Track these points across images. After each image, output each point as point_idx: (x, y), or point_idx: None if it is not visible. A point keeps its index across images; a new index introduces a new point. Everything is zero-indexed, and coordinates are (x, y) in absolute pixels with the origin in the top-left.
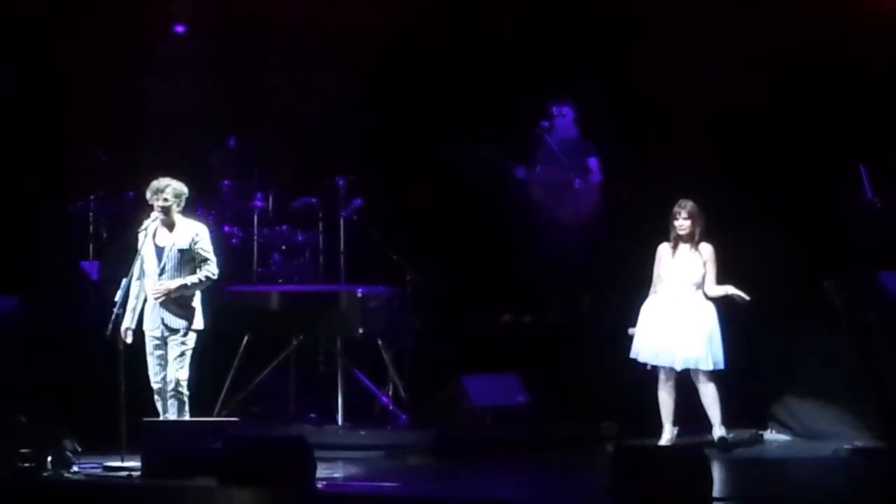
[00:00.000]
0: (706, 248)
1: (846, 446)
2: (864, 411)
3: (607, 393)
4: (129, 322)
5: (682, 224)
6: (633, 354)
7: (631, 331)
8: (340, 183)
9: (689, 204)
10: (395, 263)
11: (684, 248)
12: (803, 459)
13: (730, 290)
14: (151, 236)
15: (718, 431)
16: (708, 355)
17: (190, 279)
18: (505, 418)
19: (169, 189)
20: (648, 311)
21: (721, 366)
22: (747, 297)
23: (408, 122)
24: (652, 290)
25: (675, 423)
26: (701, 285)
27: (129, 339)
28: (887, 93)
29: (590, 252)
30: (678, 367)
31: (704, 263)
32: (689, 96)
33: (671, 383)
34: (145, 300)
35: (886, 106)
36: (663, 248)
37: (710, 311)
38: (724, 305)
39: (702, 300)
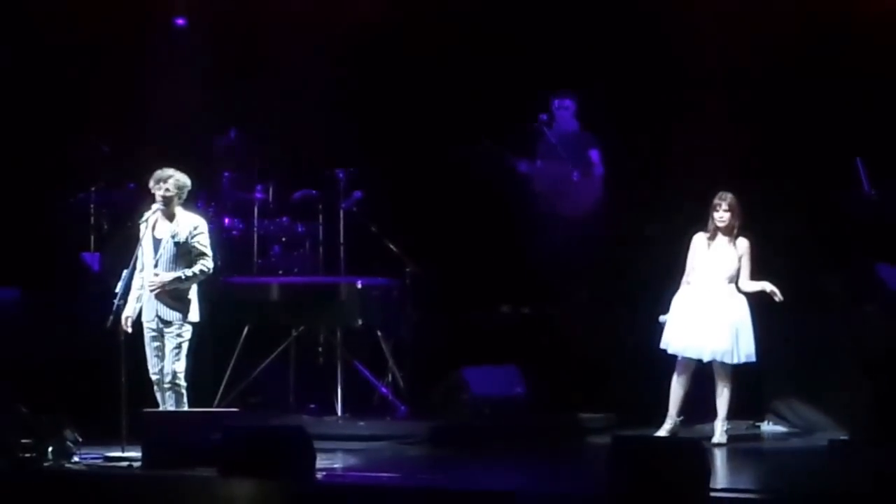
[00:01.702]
0: (742, 243)
1: (842, 437)
2: (861, 403)
3: (606, 383)
4: (129, 311)
5: (722, 216)
6: (662, 345)
7: (662, 318)
8: (340, 175)
9: (730, 196)
10: (394, 255)
11: (722, 240)
12: (800, 451)
13: (766, 286)
14: (151, 227)
15: (718, 433)
16: (734, 349)
17: (185, 272)
18: (503, 409)
19: (172, 180)
20: (680, 304)
21: (752, 358)
22: (780, 297)
23: (408, 114)
24: (685, 279)
25: (679, 414)
26: (734, 279)
27: (129, 329)
28: (885, 85)
29: (589, 244)
30: (706, 359)
31: (740, 258)
32: (688, 90)
33: (688, 375)
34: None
35: (883, 98)
36: (699, 238)
37: (742, 304)
38: (754, 300)
39: (733, 292)
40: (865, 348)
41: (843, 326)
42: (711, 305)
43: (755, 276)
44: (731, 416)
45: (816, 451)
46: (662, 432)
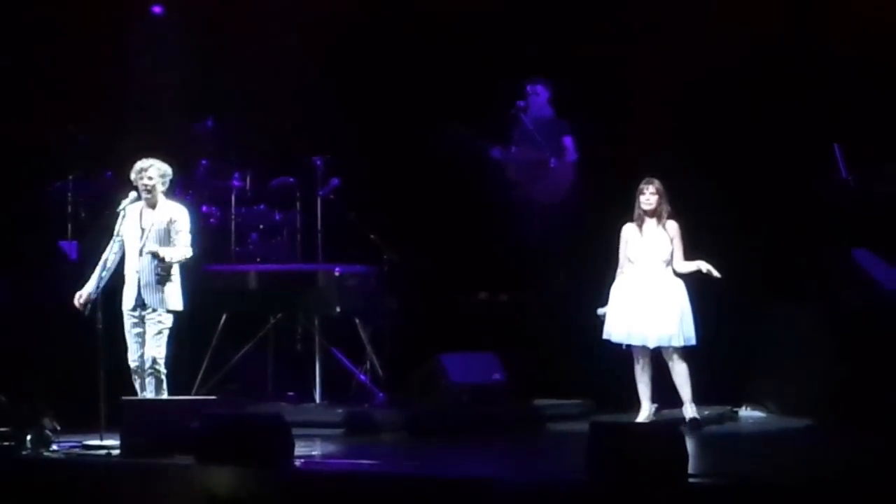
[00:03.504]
0: (672, 225)
1: (819, 422)
2: (838, 388)
3: (583, 370)
4: (89, 288)
5: (650, 199)
6: (605, 336)
7: (601, 311)
8: (318, 162)
9: (656, 181)
10: (372, 242)
11: (651, 224)
12: (778, 435)
13: (702, 265)
14: (137, 217)
15: (690, 412)
16: (679, 332)
17: (174, 251)
18: (482, 396)
19: (153, 169)
20: (619, 292)
21: (693, 342)
22: (718, 274)
23: (385, 101)
24: (619, 271)
25: (653, 401)
26: (670, 262)
27: (79, 303)
28: (861, 71)
29: (565, 230)
30: (651, 345)
31: (671, 240)
32: (663, 74)
33: (646, 361)
34: (114, 275)
35: (860, 84)
36: (628, 229)
37: (680, 288)
38: (696, 281)
39: (671, 277)
40: (842, 333)
41: (820, 312)
42: (651, 291)
43: (692, 256)
44: (708, 401)
45: (794, 436)
46: (640, 419)
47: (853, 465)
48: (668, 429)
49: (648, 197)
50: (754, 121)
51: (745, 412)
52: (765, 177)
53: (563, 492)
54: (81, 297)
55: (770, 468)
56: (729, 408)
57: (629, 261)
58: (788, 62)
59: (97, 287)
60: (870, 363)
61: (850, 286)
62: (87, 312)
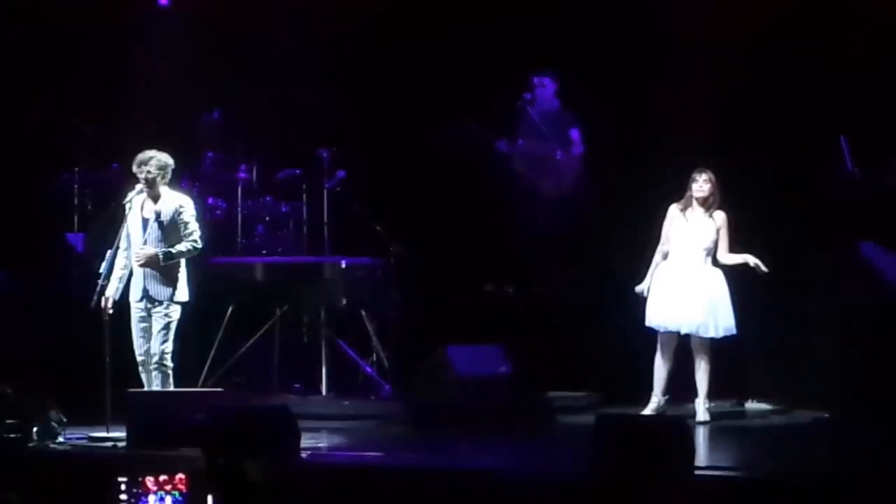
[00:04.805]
0: (720, 215)
1: (826, 415)
2: (844, 382)
3: (590, 362)
4: (111, 292)
5: (702, 186)
6: (648, 323)
7: (638, 288)
8: (324, 154)
9: (708, 170)
10: (378, 234)
11: (698, 212)
12: (784, 429)
13: (749, 259)
14: (138, 208)
15: (702, 413)
16: (711, 323)
17: (175, 247)
18: (488, 388)
19: (153, 161)
20: (660, 279)
21: (732, 331)
22: (765, 269)
23: (391, 93)
24: (660, 248)
25: (664, 393)
26: (711, 252)
27: (109, 309)
28: (867, 63)
29: (572, 223)
30: (684, 331)
31: (718, 230)
32: (670, 69)
33: (670, 352)
34: (131, 272)
35: (866, 76)
36: (674, 210)
37: (718, 278)
38: (733, 274)
39: (710, 266)
40: (848, 326)
41: (826, 304)
42: (689, 279)
43: (735, 249)
44: (715, 395)
45: (800, 429)
46: (648, 411)
47: (860, 459)
48: (675, 422)
49: (701, 185)
50: (762, 111)
51: (752, 405)
52: (771, 169)
53: (569, 484)
54: (108, 300)
55: (776, 462)
56: (735, 401)
57: (669, 241)
58: (795, 52)
59: (118, 289)
60: (876, 355)
61: (856, 278)
62: (111, 311)
